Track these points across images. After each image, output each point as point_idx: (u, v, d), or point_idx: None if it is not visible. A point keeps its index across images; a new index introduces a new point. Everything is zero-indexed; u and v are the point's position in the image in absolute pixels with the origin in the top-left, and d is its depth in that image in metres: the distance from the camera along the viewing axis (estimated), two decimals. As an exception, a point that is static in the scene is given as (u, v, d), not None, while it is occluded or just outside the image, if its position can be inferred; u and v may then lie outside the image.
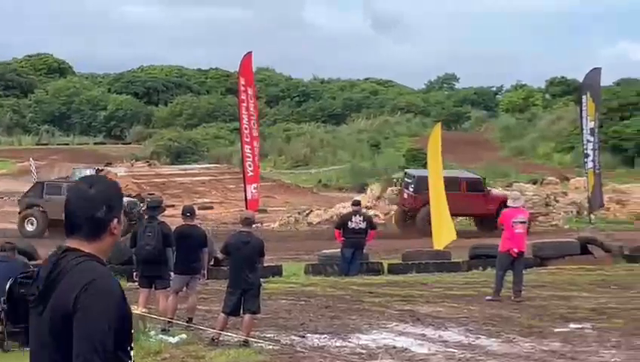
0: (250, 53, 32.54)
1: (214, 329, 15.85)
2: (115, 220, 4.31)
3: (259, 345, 15.31)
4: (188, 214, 17.81)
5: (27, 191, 44.25)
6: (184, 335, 15.91)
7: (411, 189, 42.97)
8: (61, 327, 4.08)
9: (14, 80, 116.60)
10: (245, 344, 15.24)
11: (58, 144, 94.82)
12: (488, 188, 44.64)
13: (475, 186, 43.66)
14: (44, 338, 4.16)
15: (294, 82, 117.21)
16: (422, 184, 39.08)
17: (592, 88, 36.18)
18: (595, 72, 37.10)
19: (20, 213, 42.51)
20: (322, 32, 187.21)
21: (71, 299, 4.05)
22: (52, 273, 4.17)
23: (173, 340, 15.54)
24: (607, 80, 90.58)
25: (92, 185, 4.32)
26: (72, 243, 4.25)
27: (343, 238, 25.92)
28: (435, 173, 31.12)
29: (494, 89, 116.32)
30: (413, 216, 41.21)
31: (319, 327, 17.14)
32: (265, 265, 19.65)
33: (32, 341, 4.30)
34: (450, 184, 38.44)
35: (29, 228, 41.09)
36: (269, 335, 16.14)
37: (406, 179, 45.11)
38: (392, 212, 47.87)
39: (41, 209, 40.77)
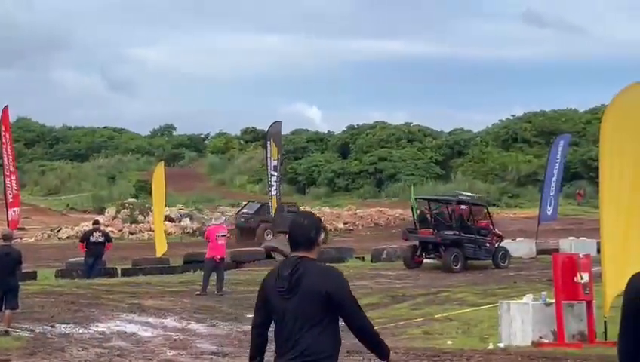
0: (6, 106, 31.53)
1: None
2: (319, 239, 5.35)
3: (17, 333, 14.74)
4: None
5: (257, 211, 44.92)
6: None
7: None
8: (310, 306, 5.03)
9: None
10: (6, 333, 14.63)
11: None
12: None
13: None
14: (293, 315, 5.06)
15: (48, 128, 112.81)
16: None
17: (274, 136, 36.81)
18: (277, 124, 37.77)
19: (236, 226, 43.85)
20: (70, 90, 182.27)
21: (322, 288, 5.04)
22: (294, 273, 5.10)
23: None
24: (285, 130, 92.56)
25: (305, 219, 5.43)
26: (298, 253, 5.22)
27: (86, 249, 25.37)
28: (158, 200, 30.83)
29: (203, 135, 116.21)
30: None
31: (66, 319, 16.61)
32: (23, 271, 18.91)
33: (282, 318, 5.13)
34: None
35: (268, 237, 40.69)
36: (25, 326, 15.52)
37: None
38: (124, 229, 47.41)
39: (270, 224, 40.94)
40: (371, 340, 5.24)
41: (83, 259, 25.67)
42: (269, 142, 36.26)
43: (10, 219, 30.64)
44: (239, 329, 15.53)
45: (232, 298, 20.01)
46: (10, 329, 14.82)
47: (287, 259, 5.30)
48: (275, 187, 36.07)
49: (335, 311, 5.11)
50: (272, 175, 35.94)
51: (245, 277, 24.71)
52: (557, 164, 34.11)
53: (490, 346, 13.03)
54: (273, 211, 36.44)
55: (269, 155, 36.15)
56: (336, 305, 5.09)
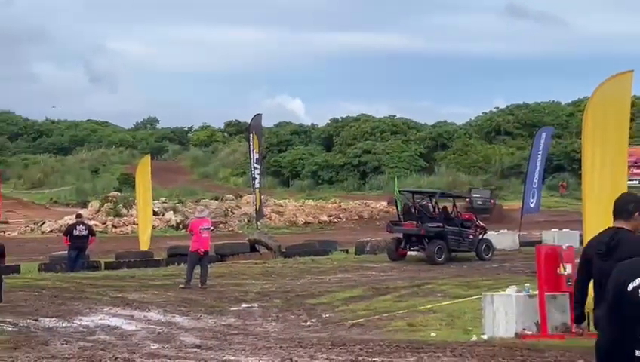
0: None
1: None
2: (637, 213, 6.02)
3: (1, 327, 14.66)
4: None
5: (490, 195, 55.42)
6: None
7: None
8: None
9: None
10: (-11, 327, 14.57)
11: None
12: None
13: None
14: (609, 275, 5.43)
15: (30, 122, 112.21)
16: None
17: (256, 129, 36.74)
18: (258, 117, 37.68)
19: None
20: (52, 83, 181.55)
21: (635, 255, 4.97)
22: (612, 240, 5.97)
23: None
24: (269, 123, 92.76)
25: (629, 195, 6.34)
26: (617, 223, 6.06)
27: (69, 243, 25.29)
28: (143, 192, 30.79)
29: (186, 128, 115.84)
30: None
31: (49, 312, 16.56)
32: (6, 264, 18.83)
33: (599, 276, 5.98)
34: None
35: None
36: (9, 320, 15.44)
37: None
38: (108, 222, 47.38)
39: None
40: None
41: (66, 252, 25.59)
42: (251, 135, 36.15)
43: (-8, 212, 30.51)
44: (223, 323, 15.52)
45: (216, 291, 19.98)
46: (-6, 323, 14.77)
47: (607, 228, 6.17)
48: (257, 180, 35.98)
49: None
50: (255, 168, 35.84)
51: (229, 270, 24.69)
52: (540, 157, 34.17)
53: (474, 338, 13.05)
54: (257, 203, 36.36)
55: (251, 148, 36.03)
56: None
